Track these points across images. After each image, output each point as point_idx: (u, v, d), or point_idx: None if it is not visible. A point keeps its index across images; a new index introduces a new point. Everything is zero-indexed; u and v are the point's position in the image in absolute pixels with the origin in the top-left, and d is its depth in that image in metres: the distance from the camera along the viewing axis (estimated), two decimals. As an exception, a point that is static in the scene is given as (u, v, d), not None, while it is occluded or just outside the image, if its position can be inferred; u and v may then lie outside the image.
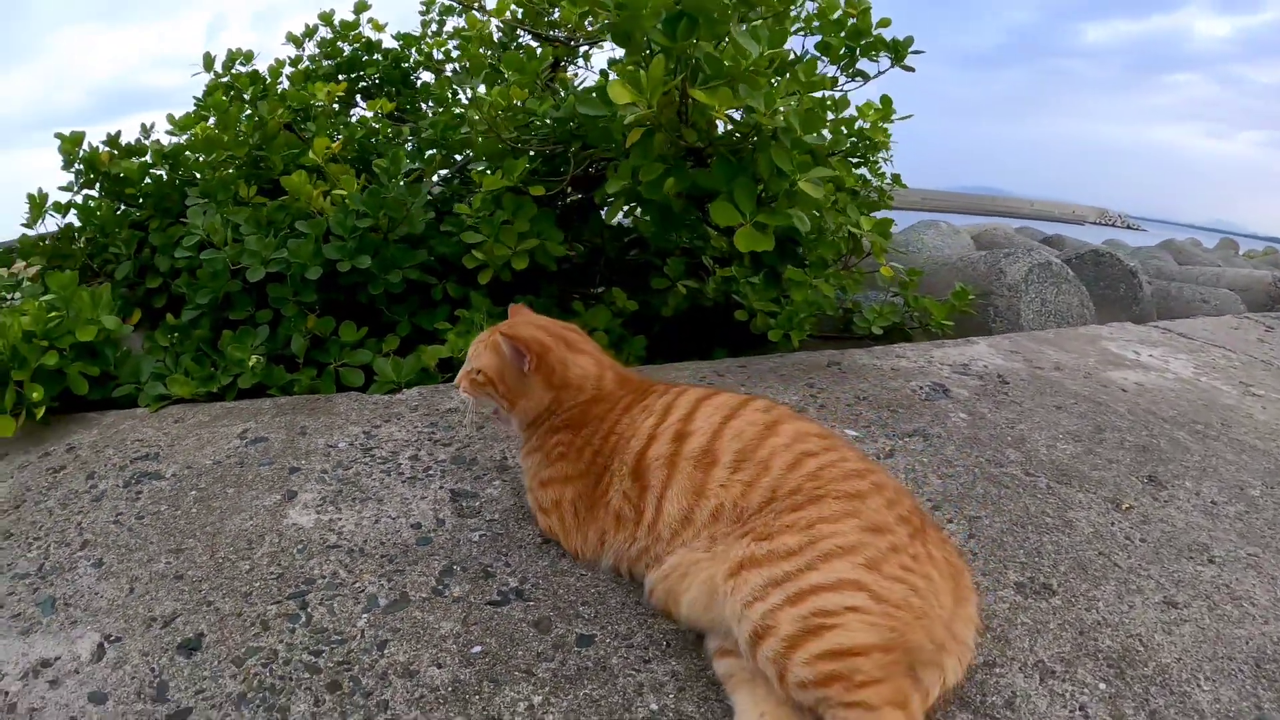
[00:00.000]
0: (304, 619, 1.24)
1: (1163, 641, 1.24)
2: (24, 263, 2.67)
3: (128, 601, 1.29)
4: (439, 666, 1.15)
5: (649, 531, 1.23)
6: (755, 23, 1.79)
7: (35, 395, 1.83)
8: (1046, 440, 1.89)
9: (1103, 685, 1.14)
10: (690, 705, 1.08)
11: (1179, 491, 1.70)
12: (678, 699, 1.09)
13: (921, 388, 2.16)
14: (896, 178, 3.27)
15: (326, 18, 3.65)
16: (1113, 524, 1.55)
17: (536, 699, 1.09)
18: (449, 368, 2.18)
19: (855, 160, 3.09)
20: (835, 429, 1.86)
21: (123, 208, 2.88)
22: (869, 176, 3.15)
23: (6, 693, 1.13)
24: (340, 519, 1.50)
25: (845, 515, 1.09)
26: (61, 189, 2.78)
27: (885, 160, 3.21)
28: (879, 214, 2.52)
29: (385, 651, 1.17)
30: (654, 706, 1.08)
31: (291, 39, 3.66)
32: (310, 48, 3.70)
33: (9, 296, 2.08)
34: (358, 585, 1.31)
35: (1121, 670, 1.17)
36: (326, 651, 1.17)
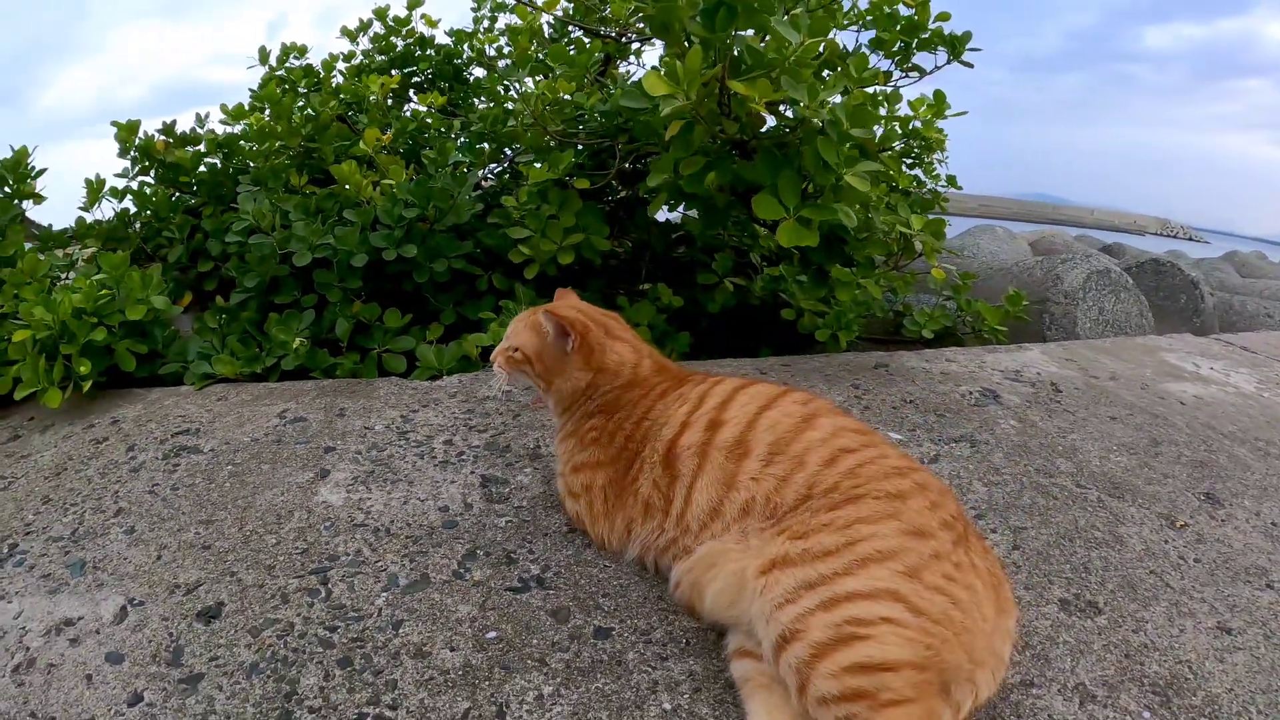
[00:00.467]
0: (324, 594, 1.24)
1: (1214, 669, 1.16)
2: (80, 244, 2.76)
3: (154, 568, 1.31)
4: (452, 649, 1.13)
5: (677, 522, 1.20)
6: (795, 12, 1.74)
7: (83, 369, 1.88)
8: (1099, 451, 1.80)
9: (1147, 714, 1.07)
10: (705, 708, 1.05)
11: (1237, 510, 1.60)
12: (692, 700, 1.06)
13: (971, 393, 2.08)
14: (952, 179, 3.19)
15: (381, 13, 3.71)
16: (1166, 542, 1.47)
17: (546, 689, 1.07)
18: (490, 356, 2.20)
19: (909, 161, 3.03)
20: (878, 431, 1.81)
21: (177, 194, 2.96)
22: (923, 177, 3.08)
23: (28, 648, 1.15)
24: (370, 499, 1.50)
25: (886, 516, 1.03)
26: (118, 176, 2.87)
27: (940, 162, 3.14)
28: (932, 214, 2.45)
29: (400, 631, 1.17)
30: (667, 706, 1.05)
31: (346, 33, 3.73)
32: (364, 43, 3.77)
33: (63, 276, 2.15)
34: (380, 564, 1.31)
35: (1168, 698, 1.10)
36: (342, 628, 1.17)
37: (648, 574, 1.29)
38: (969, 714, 0.98)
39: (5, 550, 1.39)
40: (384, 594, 1.24)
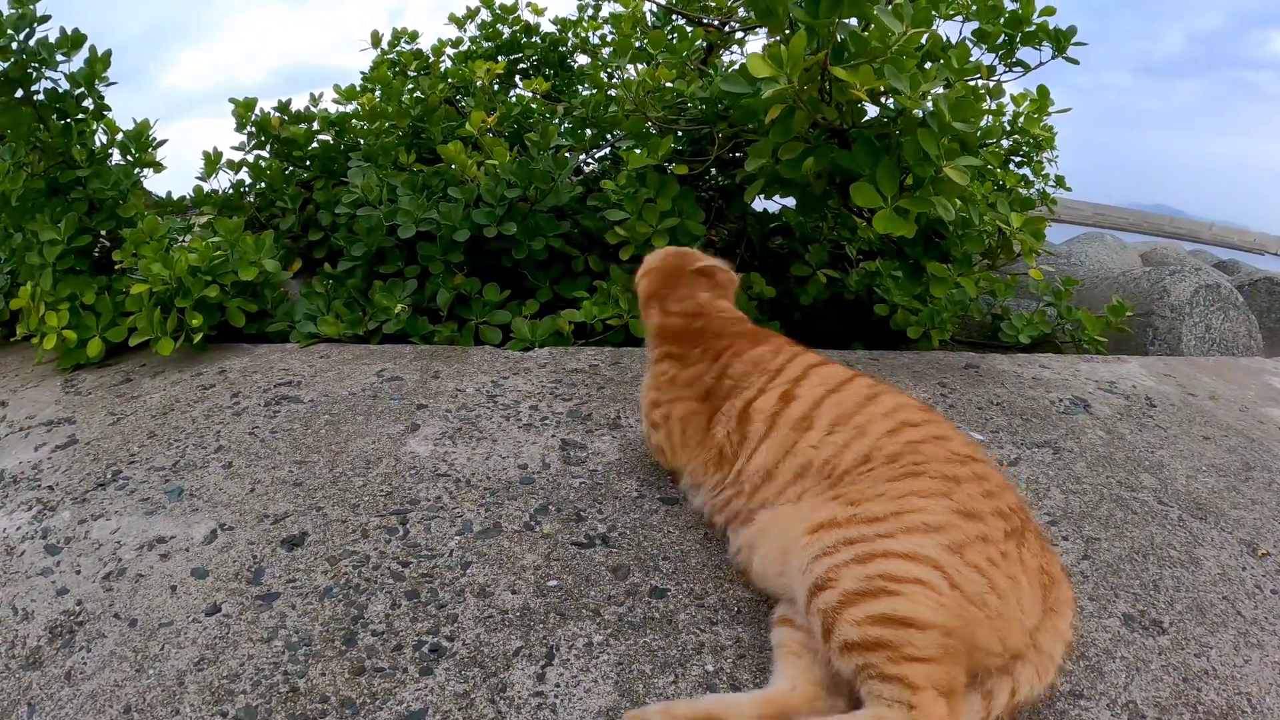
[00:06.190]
0: (401, 533, 1.33)
1: (1275, 706, 1.09)
2: (197, 211, 2.97)
3: (246, 499, 1.44)
4: (513, 593, 1.20)
5: (735, 479, 1.24)
6: (898, 0, 1.72)
7: (195, 322, 2.05)
8: (1187, 470, 1.72)
9: (1197, 743, 1.02)
10: (745, 673, 1.07)
11: (1330, 544, 1.50)
12: (735, 665, 1.09)
13: (1060, 400, 2.01)
14: (1060, 179, 3.08)
15: (488, 1, 3.81)
16: (1244, 569, 1.39)
17: (597, 638, 1.12)
18: (583, 333, 2.28)
19: (1018, 159, 2.93)
20: (961, 429, 1.78)
21: (290, 168, 3.15)
22: (1031, 176, 2.98)
23: (120, 559, 1.29)
24: (454, 452, 1.59)
25: (938, 494, 1.04)
26: (234, 149, 3.07)
27: (1050, 161, 3.03)
28: (1033, 213, 2.37)
29: (467, 571, 1.24)
30: (709, 668, 1.08)
31: (453, 20, 3.84)
32: (472, 30, 3.88)
33: (180, 238, 2.32)
34: (457, 511, 1.40)
35: (1221, 730, 1.05)
36: (414, 564, 1.26)
37: (709, 541, 1.32)
38: (1008, 709, 0.97)
39: (109, 475, 1.54)
40: (457, 537, 1.32)
